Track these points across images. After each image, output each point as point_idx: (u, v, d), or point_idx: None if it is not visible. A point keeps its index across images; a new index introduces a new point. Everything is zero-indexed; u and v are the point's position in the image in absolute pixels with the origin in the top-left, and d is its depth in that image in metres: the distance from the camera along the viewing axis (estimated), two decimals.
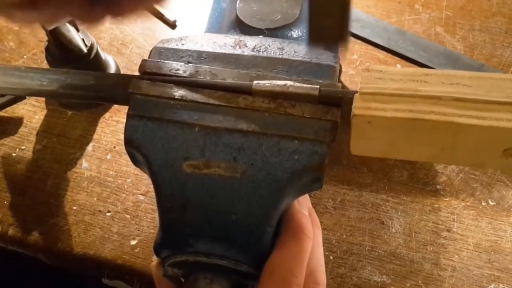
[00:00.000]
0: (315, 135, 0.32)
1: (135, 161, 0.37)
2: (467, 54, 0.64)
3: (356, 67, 0.63)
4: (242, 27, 0.41)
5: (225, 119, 0.33)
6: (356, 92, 0.31)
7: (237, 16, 0.41)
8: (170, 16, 0.67)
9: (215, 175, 0.33)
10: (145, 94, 0.35)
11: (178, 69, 0.36)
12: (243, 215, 0.34)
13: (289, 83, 0.34)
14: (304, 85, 0.33)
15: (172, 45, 0.38)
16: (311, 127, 0.33)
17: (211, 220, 0.34)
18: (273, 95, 0.34)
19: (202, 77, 0.35)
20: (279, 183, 0.33)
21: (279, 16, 0.41)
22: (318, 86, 0.33)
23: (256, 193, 0.33)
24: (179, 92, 0.35)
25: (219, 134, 0.33)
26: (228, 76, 0.35)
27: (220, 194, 0.34)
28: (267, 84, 0.34)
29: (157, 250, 0.38)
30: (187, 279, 0.39)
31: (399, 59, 0.64)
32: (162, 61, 0.36)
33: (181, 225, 0.35)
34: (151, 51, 0.38)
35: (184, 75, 0.35)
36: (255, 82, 0.34)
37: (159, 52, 0.37)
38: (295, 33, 0.40)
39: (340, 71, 0.54)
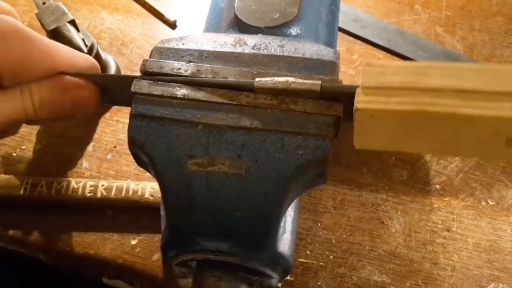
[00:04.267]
0: (318, 130, 0.33)
1: (139, 162, 0.37)
2: (466, 54, 0.64)
3: (356, 67, 0.63)
4: (240, 26, 0.41)
5: (228, 117, 0.33)
6: (358, 86, 0.31)
7: (235, 15, 0.41)
8: (170, 16, 0.68)
9: (220, 172, 0.33)
10: (147, 94, 0.35)
11: (180, 69, 0.36)
12: (248, 212, 0.34)
13: (290, 79, 0.34)
14: (306, 81, 0.33)
15: (173, 45, 0.38)
16: (314, 123, 0.33)
17: (217, 217, 0.35)
18: (275, 92, 0.34)
19: (203, 75, 0.35)
20: (284, 179, 0.33)
21: (277, 15, 0.41)
22: (319, 82, 0.33)
23: (261, 190, 0.33)
24: (181, 91, 0.35)
25: (223, 132, 0.33)
26: (230, 74, 0.35)
27: (225, 192, 0.34)
28: (268, 81, 0.34)
29: (164, 249, 0.38)
30: (195, 277, 0.39)
31: (398, 59, 0.64)
32: (163, 60, 0.36)
33: (187, 224, 0.35)
34: (151, 51, 0.38)
35: (186, 74, 0.35)
36: (257, 79, 0.34)
37: (160, 52, 0.37)
38: (294, 31, 0.41)
39: None
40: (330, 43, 0.44)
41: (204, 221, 0.35)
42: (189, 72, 0.36)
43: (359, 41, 0.65)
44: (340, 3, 0.49)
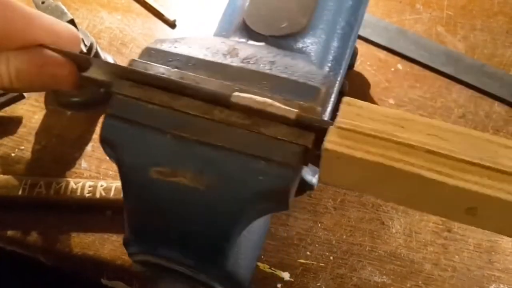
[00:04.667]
0: (283, 158, 0.32)
1: (109, 157, 0.37)
2: (468, 53, 0.64)
3: (357, 67, 0.63)
4: (247, 32, 0.40)
5: (198, 130, 0.33)
6: (332, 124, 0.31)
7: (243, 20, 0.41)
8: (169, 16, 0.67)
9: (180, 184, 0.33)
10: (125, 95, 0.35)
11: (164, 74, 0.35)
12: (202, 227, 0.34)
13: (268, 101, 0.33)
14: (283, 106, 0.33)
15: (164, 47, 0.37)
16: (281, 149, 0.32)
17: (171, 227, 0.35)
18: (249, 111, 0.33)
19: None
20: (240, 202, 0.32)
21: (285, 24, 0.40)
22: (296, 111, 0.32)
23: (217, 208, 0.33)
24: (158, 97, 0.34)
25: (190, 145, 0.33)
26: (211, 86, 0.34)
27: (182, 204, 0.33)
28: (246, 99, 0.33)
29: (125, 245, 0.38)
30: (149, 279, 0.40)
31: (400, 58, 0.64)
32: (149, 63, 0.36)
33: (143, 227, 0.36)
34: (142, 50, 0.37)
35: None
36: (234, 94, 0.33)
37: (150, 53, 0.37)
38: (300, 43, 0.39)
39: (345, 91, 0.54)
40: (341, 57, 0.43)
41: (159, 228, 0.35)
42: (172, 78, 0.35)
43: (360, 41, 0.65)
44: (363, 15, 0.47)
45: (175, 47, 0.37)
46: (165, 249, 0.36)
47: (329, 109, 0.43)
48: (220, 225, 0.33)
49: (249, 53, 0.37)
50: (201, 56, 0.36)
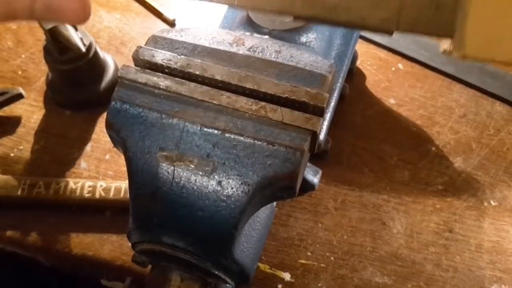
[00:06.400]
0: (290, 143, 0.32)
1: (114, 143, 0.37)
2: None
3: (357, 66, 0.63)
4: (251, 25, 0.41)
5: (205, 115, 0.33)
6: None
7: (247, 14, 0.41)
8: (169, 15, 0.67)
9: (187, 169, 0.33)
10: (132, 80, 0.35)
11: (170, 60, 0.35)
12: (209, 213, 0.34)
13: (275, 87, 0.33)
14: (290, 91, 0.33)
15: (171, 35, 0.37)
16: (288, 134, 0.32)
17: (178, 213, 0.34)
18: (256, 97, 0.34)
19: (192, 70, 0.35)
20: (248, 186, 0.33)
21: (289, 19, 0.40)
22: (303, 94, 0.33)
23: (224, 193, 0.33)
24: (164, 82, 0.34)
25: (197, 129, 0.33)
26: (218, 73, 0.35)
27: (189, 189, 0.34)
28: (253, 86, 0.33)
29: (128, 235, 0.38)
30: (152, 268, 0.40)
31: (400, 58, 0.64)
32: (156, 50, 0.36)
33: (149, 214, 0.35)
34: (148, 38, 0.37)
35: (175, 66, 0.35)
36: (241, 81, 0.34)
37: (156, 40, 0.37)
38: (303, 37, 0.40)
39: (346, 94, 0.52)
40: (343, 54, 0.43)
41: (165, 214, 0.35)
42: (178, 64, 0.35)
43: (360, 40, 0.64)
44: None
45: (181, 35, 0.37)
46: (170, 237, 0.36)
47: (335, 95, 0.42)
48: (227, 210, 0.33)
49: (255, 43, 0.37)
50: (207, 44, 0.37)
